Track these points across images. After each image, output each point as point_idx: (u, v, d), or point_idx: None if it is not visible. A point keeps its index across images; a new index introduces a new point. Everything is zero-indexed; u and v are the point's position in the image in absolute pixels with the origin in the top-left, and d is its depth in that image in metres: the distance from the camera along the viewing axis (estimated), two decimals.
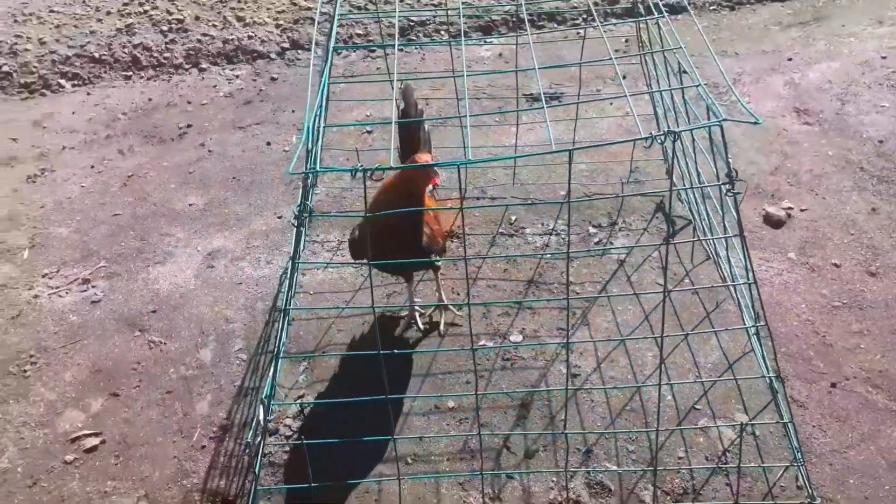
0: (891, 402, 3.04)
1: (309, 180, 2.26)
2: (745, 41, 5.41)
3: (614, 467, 2.87)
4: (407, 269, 3.35)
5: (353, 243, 3.25)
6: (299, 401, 3.18)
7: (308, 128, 2.13)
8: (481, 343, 3.38)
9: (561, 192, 4.15)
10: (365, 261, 3.15)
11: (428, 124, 3.45)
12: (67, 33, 5.62)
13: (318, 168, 2.10)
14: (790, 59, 5.14)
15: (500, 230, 3.96)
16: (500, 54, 5.37)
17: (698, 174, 3.00)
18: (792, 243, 3.79)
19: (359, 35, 5.58)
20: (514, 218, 4.02)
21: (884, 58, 5.03)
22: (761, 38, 5.43)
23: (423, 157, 2.83)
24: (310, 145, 2.11)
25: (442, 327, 3.47)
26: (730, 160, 2.25)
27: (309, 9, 5.78)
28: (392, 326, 3.51)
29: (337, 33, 5.43)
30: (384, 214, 2.69)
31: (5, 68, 5.34)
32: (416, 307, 3.52)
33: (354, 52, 5.44)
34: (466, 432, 3.03)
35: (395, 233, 2.93)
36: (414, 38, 5.52)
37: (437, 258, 3.15)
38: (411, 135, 3.35)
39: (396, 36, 2.79)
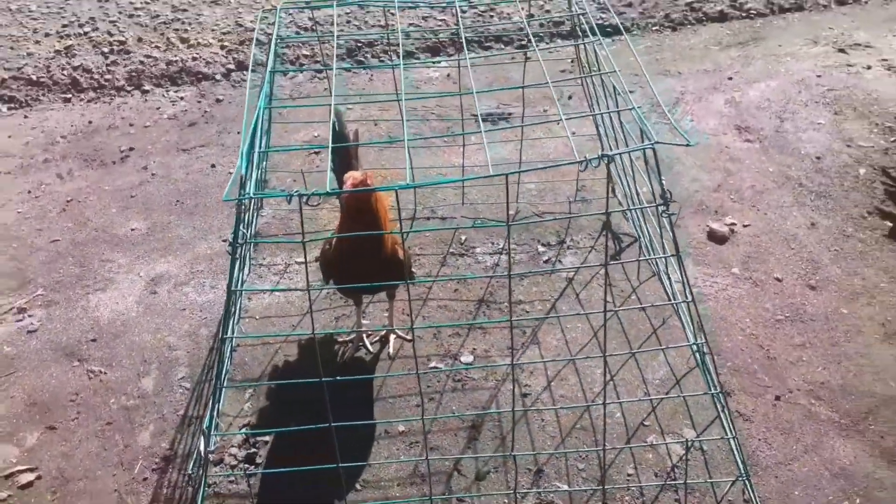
0: (833, 414, 3.10)
1: (243, 207, 2.22)
2: (686, 61, 5.53)
3: (565, 487, 2.86)
4: (381, 290, 3.32)
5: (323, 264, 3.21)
6: (244, 429, 3.11)
7: (243, 153, 2.09)
8: (432, 365, 3.35)
9: (511, 211, 4.16)
10: (331, 283, 3.12)
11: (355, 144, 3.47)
12: (3, 55, 5.47)
13: (251, 194, 2.06)
14: (731, 78, 5.27)
15: (451, 250, 3.95)
16: (448, 75, 5.40)
17: (638, 194, 3.03)
18: (736, 258, 3.86)
19: (306, 56, 5.55)
20: (464, 238, 4.02)
21: (819, 76, 5.19)
22: (702, 58, 5.57)
23: (353, 175, 2.82)
24: (244, 170, 2.07)
25: (392, 350, 3.44)
26: (663, 181, 2.28)
27: (254, 30, 5.72)
28: (341, 350, 3.46)
29: (283, 54, 5.40)
30: (319, 239, 2.67)
31: None
32: (364, 330, 3.48)
33: (301, 73, 5.40)
34: (416, 457, 2.99)
35: (360, 252, 2.92)
36: (362, 59, 5.51)
37: (412, 278, 3.11)
38: (348, 157, 3.36)
39: (334, 58, 2.77)
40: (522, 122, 3.31)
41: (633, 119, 3.20)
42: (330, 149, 2.31)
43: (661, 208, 2.15)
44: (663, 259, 3.24)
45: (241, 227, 2.13)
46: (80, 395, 3.30)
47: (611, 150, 3.30)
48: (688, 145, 2.02)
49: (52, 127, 5.01)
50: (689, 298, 2.38)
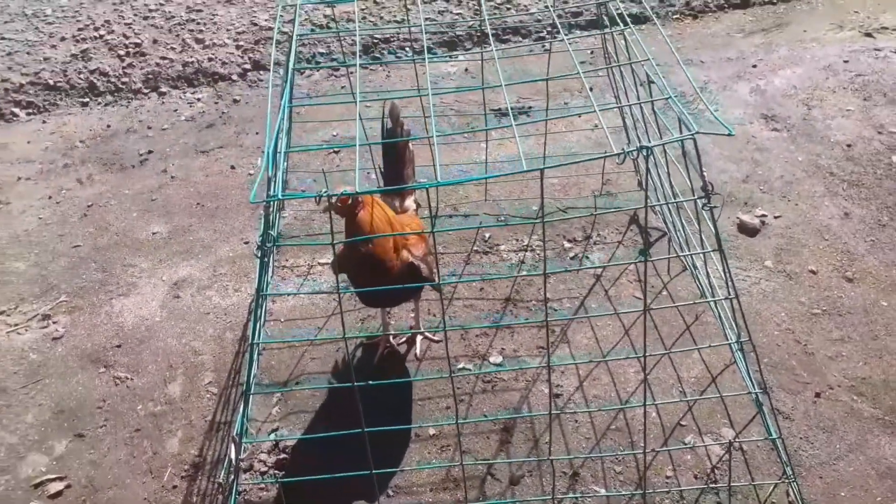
0: (876, 410, 3.01)
1: (272, 208, 2.17)
2: (708, 49, 5.42)
3: (602, 490, 2.79)
4: (398, 297, 3.13)
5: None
6: (273, 434, 3.06)
7: (268, 154, 2.03)
8: (460, 366, 3.29)
9: (534, 207, 4.09)
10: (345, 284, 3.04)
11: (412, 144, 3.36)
12: (20, 60, 5.45)
13: (279, 195, 2.00)
14: (755, 66, 5.16)
15: (475, 248, 3.88)
16: (466, 69, 5.32)
17: (671, 185, 2.95)
18: (768, 251, 3.77)
19: (322, 54, 5.48)
20: (487, 235, 3.95)
21: (846, 62, 5.07)
22: (725, 46, 5.45)
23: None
24: (270, 172, 2.01)
25: (418, 351, 3.38)
26: (704, 173, 2.20)
27: (270, 29, 5.66)
28: (367, 352, 3.41)
29: (298, 53, 5.34)
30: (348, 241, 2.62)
31: None
32: (391, 332, 3.43)
33: (318, 71, 5.34)
34: (448, 461, 2.94)
35: (364, 263, 2.84)
36: (378, 55, 5.44)
37: (436, 282, 2.91)
38: (399, 161, 3.26)
39: (358, 53, 2.70)
40: (546, 116, 3.22)
41: (660, 108, 3.12)
42: (387, 145, 2.22)
43: (701, 202, 2.07)
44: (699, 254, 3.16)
45: (268, 230, 2.08)
46: (107, 401, 3.27)
47: (639, 140, 3.22)
48: (729, 134, 1.94)
49: (71, 131, 4.98)
50: (733, 295, 2.30)
